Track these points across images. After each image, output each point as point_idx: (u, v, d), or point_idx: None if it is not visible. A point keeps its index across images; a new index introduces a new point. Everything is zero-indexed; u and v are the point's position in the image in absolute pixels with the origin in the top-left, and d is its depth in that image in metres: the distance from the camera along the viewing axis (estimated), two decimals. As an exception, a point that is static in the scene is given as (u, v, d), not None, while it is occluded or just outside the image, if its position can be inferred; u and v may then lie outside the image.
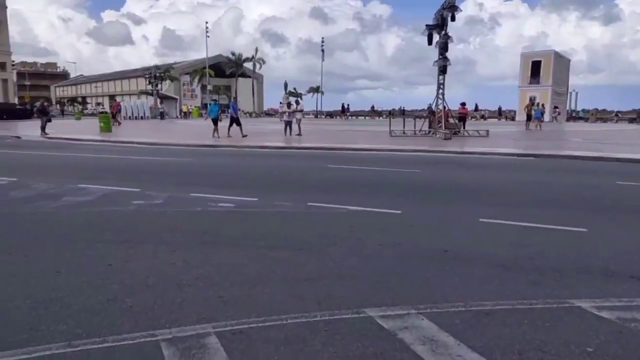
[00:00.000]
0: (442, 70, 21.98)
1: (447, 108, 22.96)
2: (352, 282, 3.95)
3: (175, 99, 67.36)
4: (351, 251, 4.77)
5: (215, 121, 20.86)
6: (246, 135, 20.39)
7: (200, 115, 63.35)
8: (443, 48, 21.45)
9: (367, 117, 68.53)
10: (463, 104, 28.93)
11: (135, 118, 49.45)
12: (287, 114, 22.90)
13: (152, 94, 61.85)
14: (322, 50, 79.63)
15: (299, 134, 22.19)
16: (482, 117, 64.27)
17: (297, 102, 24.81)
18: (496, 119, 61.71)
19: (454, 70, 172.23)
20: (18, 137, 22.06)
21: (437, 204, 7.29)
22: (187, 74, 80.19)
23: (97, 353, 2.77)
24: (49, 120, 23.80)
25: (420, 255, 4.68)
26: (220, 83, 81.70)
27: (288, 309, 3.37)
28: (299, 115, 23.45)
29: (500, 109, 68.00)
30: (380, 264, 4.39)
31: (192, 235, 5.36)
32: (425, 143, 18.40)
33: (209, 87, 73.64)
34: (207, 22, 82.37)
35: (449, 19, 20.91)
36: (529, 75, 55.93)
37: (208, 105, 25.18)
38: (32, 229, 5.64)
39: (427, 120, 24.78)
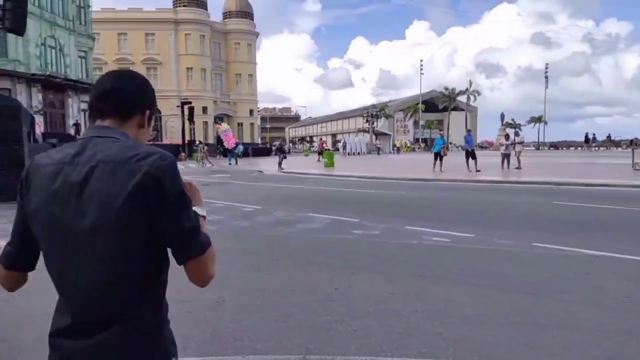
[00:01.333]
0: None
1: None
2: (593, 336, 3.44)
3: (389, 135, 70.37)
4: (589, 300, 4.18)
5: (437, 155, 20.79)
6: (479, 170, 19.60)
7: (413, 149, 64.64)
8: None
9: (600, 148, 59.84)
10: None
11: (354, 154, 53.32)
12: (504, 146, 21.58)
13: (368, 131, 65.91)
14: (546, 77, 73.44)
15: (518, 167, 20.62)
16: None
17: (516, 134, 23.24)
18: None
19: None
20: (260, 171, 25.97)
21: None
22: (400, 110, 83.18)
23: (327, 369, 3.02)
24: (285, 157, 27.57)
25: (686, 315, 3.81)
26: (432, 118, 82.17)
27: (516, 356, 3.12)
28: (518, 147, 21.88)
29: None
30: (628, 319, 3.72)
31: (409, 267, 5.45)
32: (685, 177, 15.06)
33: (421, 123, 74.89)
34: (421, 60, 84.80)
35: None
36: None
37: (435, 139, 25.01)
38: (273, 250, 6.53)
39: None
